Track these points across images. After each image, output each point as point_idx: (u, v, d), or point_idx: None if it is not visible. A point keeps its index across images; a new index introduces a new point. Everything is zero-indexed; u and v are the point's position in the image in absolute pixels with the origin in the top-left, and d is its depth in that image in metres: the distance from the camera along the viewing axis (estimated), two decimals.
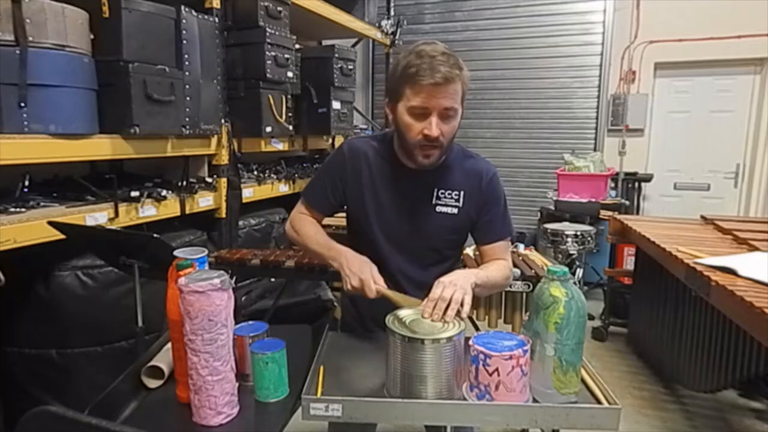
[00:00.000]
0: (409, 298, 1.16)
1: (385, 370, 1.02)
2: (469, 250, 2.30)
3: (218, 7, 2.56)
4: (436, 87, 1.13)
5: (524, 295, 2.09)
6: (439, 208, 1.31)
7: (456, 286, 1.08)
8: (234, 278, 1.23)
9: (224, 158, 2.66)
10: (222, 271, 0.98)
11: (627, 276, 3.51)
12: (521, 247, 2.50)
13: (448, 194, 1.31)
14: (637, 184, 4.56)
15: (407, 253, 1.32)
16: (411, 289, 1.31)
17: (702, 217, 3.10)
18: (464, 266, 1.68)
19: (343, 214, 1.44)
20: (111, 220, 2.00)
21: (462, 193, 1.32)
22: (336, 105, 3.51)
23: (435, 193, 1.31)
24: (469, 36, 5.00)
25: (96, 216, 1.94)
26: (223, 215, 2.67)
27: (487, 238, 1.36)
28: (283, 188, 3.22)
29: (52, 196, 2.04)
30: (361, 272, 1.17)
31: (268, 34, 2.71)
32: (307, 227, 1.35)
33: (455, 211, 1.31)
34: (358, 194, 1.33)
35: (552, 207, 4.20)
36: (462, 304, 1.06)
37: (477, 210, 1.33)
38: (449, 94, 1.15)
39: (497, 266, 1.31)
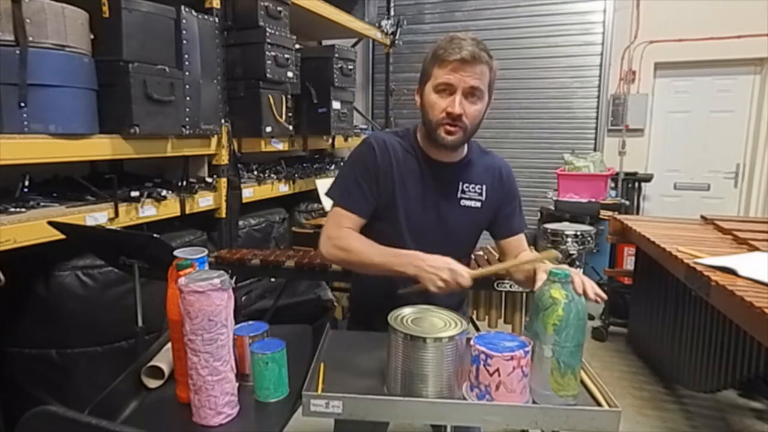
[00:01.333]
0: (509, 262, 1.17)
1: (386, 368, 1.02)
2: None
3: (218, 7, 2.56)
4: (462, 63, 1.15)
5: (524, 295, 2.09)
6: (463, 202, 1.32)
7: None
8: (234, 278, 1.22)
9: (224, 158, 2.66)
10: (222, 271, 0.98)
11: (627, 276, 3.51)
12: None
13: (472, 188, 1.32)
14: (637, 184, 4.56)
15: (431, 247, 1.26)
16: None
17: (702, 217, 3.09)
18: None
19: None
20: (111, 220, 2.00)
21: (484, 187, 1.33)
22: (336, 105, 3.51)
23: (460, 187, 1.32)
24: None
25: (96, 216, 1.94)
26: (223, 215, 2.67)
27: (508, 232, 1.38)
28: (283, 188, 3.22)
29: (52, 196, 2.05)
30: (447, 264, 1.11)
31: (268, 34, 2.72)
32: (355, 242, 1.22)
33: (479, 205, 1.32)
34: (390, 188, 1.29)
35: (552, 207, 4.20)
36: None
37: (498, 204, 1.35)
38: (475, 73, 1.16)
39: (533, 254, 1.33)
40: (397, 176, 1.29)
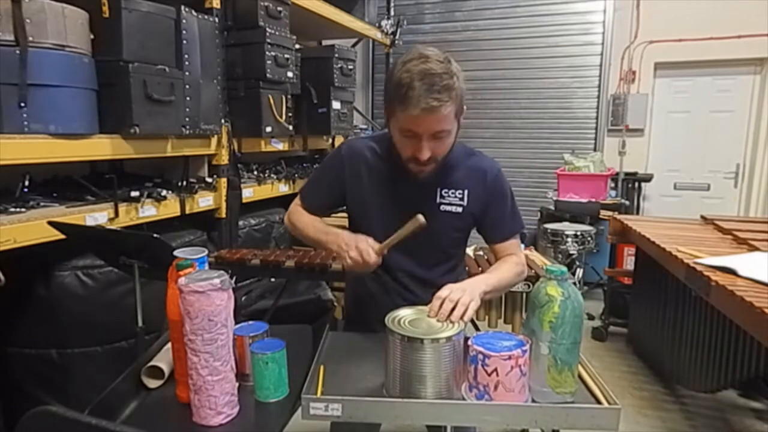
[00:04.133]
0: (405, 227, 1.17)
1: (385, 370, 1.03)
2: (469, 251, 2.30)
3: (218, 7, 2.56)
4: (425, 113, 1.12)
5: (524, 295, 2.09)
6: (443, 207, 1.31)
7: (464, 291, 1.09)
8: (234, 278, 1.22)
9: (224, 158, 2.66)
10: (222, 271, 0.99)
11: (627, 276, 3.51)
12: (521, 247, 2.50)
13: (452, 193, 1.31)
14: (637, 184, 4.56)
15: (412, 252, 1.31)
16: (416, 288, 1.33)
17: (702, 217, 3.10)
18: (466, 267, 1.69)
19: (343, 214, 1.44)
20: (111, 220, 2.00)
21: (466, 191, 1.31)
22: (336, 105, 3.51)
23: (439, 193, 1.31)
24: (469, 36, 5.00)
25: (96, 216, 1.94)
26: (223, 215, 2.67)
27: (497, 236, 1.36)
28: (283, 188, 3.22)
29: (52, 196, 2.05)
30: (356, 242, 1.17)
31: (268, 34, 2.72)
32: (304, 217, 1.38)
33: (459, 210, 1.31)
34: (359, 195, 1.33)
35: (552, 207, 4.21)
36: (467, 309, 1.06)
37: (482, 208, 1.32)
38: (439, 119, 1.14)
39: (508, 265, 1.31)
40: (367, 183, 1.32)
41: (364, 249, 1.15)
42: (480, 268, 2.12)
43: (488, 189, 1.32)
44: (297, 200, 1.44)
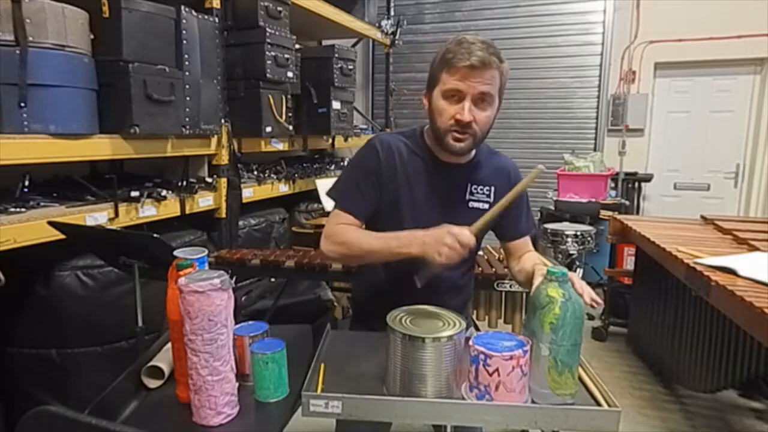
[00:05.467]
0: (500, 203, 1.13)
1: (385, 368, 1.03)
2: None
3: (218, 7, 2.56)
4: (471, 70, 1.12)
5: (524, 295, 2.08)
6: (471, 204, 1.30)
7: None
8: (234, 278, 1.22)
9: (224, 158, 2.66)
10: (222, 271, 0.98)
11: (627, 276, 3.51)
12: None
13: (481, 190, 1.31)
14: (637, 184, 4.56)
15: None
16: (441, 287, 1.30)
17: (702, 217, 3.09)
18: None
19: None
20: (111, 220, 2.00)
21: (493, 188, 1.32)
22: (336, 105, 3.51)
23: (468, 189, 1.30)
24: None
25: (96, 216, 1.94)
26: (223, 215, 2.67)
27: (515, 234, 1.37)
28: (283, 188, 3.22)
29: (52, 196, 2.05)
30: (446, 229, 1.07)
31: (268, 34, 2.72)
32: (351, 234, 1.22)
33: (486, 206, 1.30)
34: (393, 190, 1.28)
35: (552, 207, 4.21)
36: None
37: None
38: (485, 79, 1.14)
39: (536, 255, 1.32)
40: (402, 178, 1.28)
41: (458, 233, 1.06)
42: (480, 269, 2.12)
43: (512, 188, 1.32)
44: (334, 217, 1.28)
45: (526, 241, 1.38)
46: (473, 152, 1.31)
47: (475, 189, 1.31)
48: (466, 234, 1.07)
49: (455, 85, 1.15)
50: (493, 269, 2.11)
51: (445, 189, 1.29)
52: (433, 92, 1.21)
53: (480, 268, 2.12)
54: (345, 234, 1.22)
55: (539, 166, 1.13)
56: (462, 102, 1.16)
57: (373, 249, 1.18)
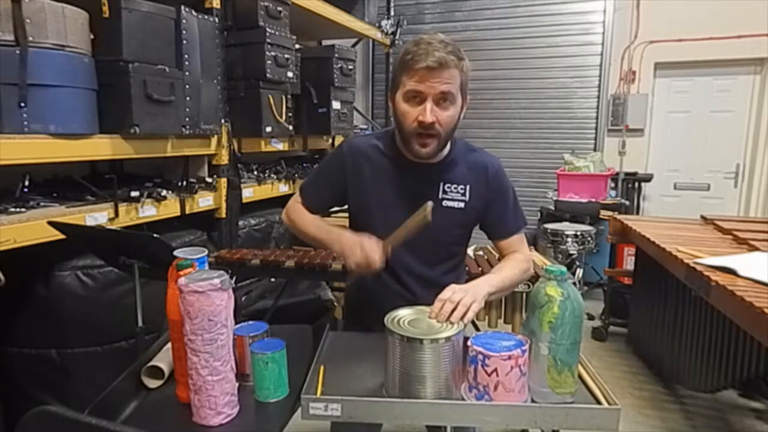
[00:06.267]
0: (412, 217, 1.14)
1: (384, 370, 1.03)
2: (469, 251, 2.29)
3: (218, 7, 2.56)
4: (430, 71, 1.12)
5: (524, 295, 2.08)
6: (445, 203, 1.29)
7: (467, 292, 1.08)
8: (234, 278, 1.22)
9: (224, 158, 2.66)
10: (222, 271, 0.99)
11: (627, 276, 3.51)
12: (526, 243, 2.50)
13: (454, 188, 1.30)
14: (637, 184, 4.56)
15: (413, 249, 1.29)
16: (416, 288, 1.31)
17: (702, 217, 3.10)
18: (467, 267, 1.68)
19: (344, 215, 1.44)
20: (111, 220, 2.00)
21: (468, 186, 1.30)
22: (336, 105, 3.51)
23: (441, 188, 1.30)
24: (469, 36, 4.99)
25: (96, 216, 1.94)
26: (223, 215, 2.67)
27: (501, 233, 1.35)
28: (283, 188, 3.22)
29: (52, 196, 2.05)
30: (360, 241, 1.14)
31: (268, 34, 2.72)
32: (303, 214, 1.37)
33: (461, 205, 1.30)
34: (361, 192, 1.32)
35: (552, 207, 4.21)
36: (468, 310, 1.05)
37: (484, 204, 1.31)
38: (444, 78, 1.14)
39: (512, 263, 1.30)
40: (370, 180, 1.30)
41: (369, 248, 1.13)
42: (480, 269, 2.12)
43: (490, 185, 1.31)
44: (296, 197, 1.43)
45: (515, 240, 1.35)
46: (446, 150, 1.30)
47: (449, 188, 1.30)
48: (375, 251, 1.14)
49: (415, 87, 1.15)
50: None
51: (416, 189, 1.28)
52: (395, 96, 1.22)
53: (480, 268, 2.13)
54: (297, 213, 1.39)
55: (429, 202, 1.13)
56: (424, 103, 1.16)
57: (311, 234, 1.33)
